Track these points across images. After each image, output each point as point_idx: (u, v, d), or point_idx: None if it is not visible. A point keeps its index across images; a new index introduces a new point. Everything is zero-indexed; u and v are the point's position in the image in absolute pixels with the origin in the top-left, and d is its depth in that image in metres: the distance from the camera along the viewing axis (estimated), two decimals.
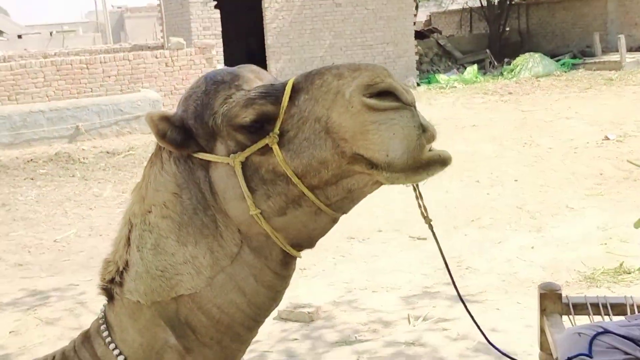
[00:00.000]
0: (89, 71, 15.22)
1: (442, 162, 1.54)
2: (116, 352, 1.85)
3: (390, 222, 7.29)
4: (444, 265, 1.88)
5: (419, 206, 1.73)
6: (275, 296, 1.82)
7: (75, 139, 12.79)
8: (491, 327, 4.75)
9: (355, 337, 4.82)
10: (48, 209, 8.80)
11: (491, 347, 2.27)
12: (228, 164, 1.64)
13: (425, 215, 1.72)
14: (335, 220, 1.69)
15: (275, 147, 1.59)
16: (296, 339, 4.85)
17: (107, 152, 11.89)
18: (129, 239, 1.80)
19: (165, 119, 1.69)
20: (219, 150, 1.67)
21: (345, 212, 1.69)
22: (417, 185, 1.68)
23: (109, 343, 1.86)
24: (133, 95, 14.20)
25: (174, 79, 15.86)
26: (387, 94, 1.51)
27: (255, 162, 1.62)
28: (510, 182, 8.62)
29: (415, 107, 1.53)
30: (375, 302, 5.42)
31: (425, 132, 1.51)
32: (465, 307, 1.95)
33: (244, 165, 1.63)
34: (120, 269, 1.83)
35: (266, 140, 1.60)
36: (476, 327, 2.13)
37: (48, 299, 5.86)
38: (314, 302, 5.31)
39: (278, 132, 1.58)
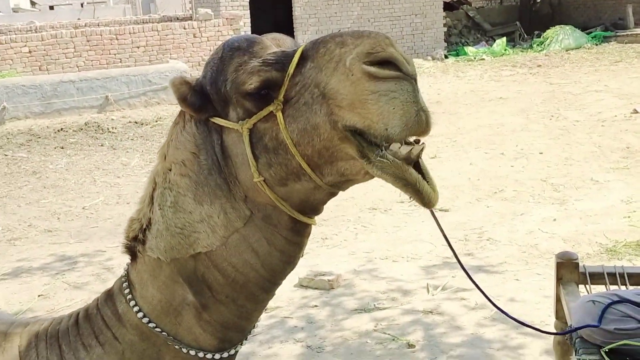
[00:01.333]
0: (118, 42, 15.34)
1: (427, 203, 1.53)
2: (136, 308, 1.92)
3: None
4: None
5: (443, 235, 1.81)
6: (289, 260, 1.86)
7: (104, 109, 12.95)
8: (510, 297, 4.79)
9: (374, 305, 4.88)
10: (77, 177, 8.97)
11: (505, 315, 2.29)
12: (237, 130, 1.68)
13: (449, 245, 1.79)
14: (333, 194, 1.71)
15: (279, 115, 1.61)
16: (316, 306, 4.93)
17: (136, 122, 12.04)
18: (152, 197, 1.85)
19: (186, 83, 1.73)
20: (231, 116, 1.71)
21: (342, 190, 1.72)
22: (436, 218, 1.74)
23: (130, 300, 1.93)
24: (161, 66, 14.30)
25: (201, 50, 15.92)
26: (388, 63, 1.50)
27: (260, 129, 1.65)
28: (535, 155, 8.56)
29: (416, 79, 1.51)
30: (395, 271, 5.47)
31: (424, 110, 1.50)
32: (471, 278, 1.97)
33: (251, 132, 1.66)
34: (144, 226, 1.89)
35: (270, 108, 1.62)
36: (489, 296, 2.16)
37: (76, 264, 6.02)
38: (335, 271, 5.38)
39: (282, 99, 1.60)
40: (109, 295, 2.07)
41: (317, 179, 1.65)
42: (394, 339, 4.35)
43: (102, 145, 10.72)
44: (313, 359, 4.21)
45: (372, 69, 1.49)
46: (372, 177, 1.58)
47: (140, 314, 1.91)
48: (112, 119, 12.31)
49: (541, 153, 8.60)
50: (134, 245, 1.94)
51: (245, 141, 1.66)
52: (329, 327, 4.61)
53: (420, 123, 1.48)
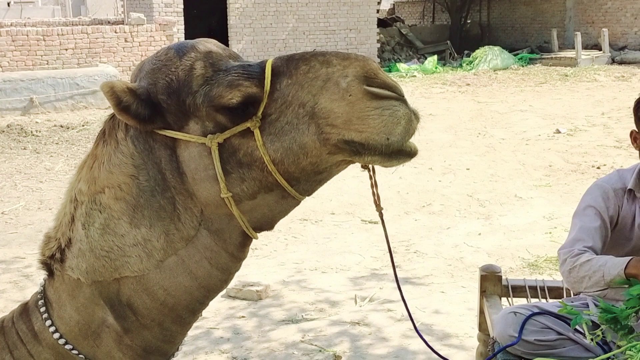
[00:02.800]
0: (45, 43, 14.89)
1: (413, 154, 1.63)
2: (52, 329, 1.82)
3: (343, 206, 7.36)
4: (391, 251, 1.91)
5: (373, 194, 1.75)
6: (227, 278, 1.82)
7: (28, 112, 12.53)
8: (435, 309, 4.86)
9: (302, 315, 4.87)
10: None
11: (423, 339, 2.31)
12: (202, 144, 1.60)
13: (378, 203, 1.76)
14: (299, 203, 1.70)
15: (257, 131, 1.57)
16: (243, 317, 4.88)
17: (61, 126, 11.69)
18: (73, 216, 1.78)
19: (130, 91, 1.62)
20: (192, 129, 1.62)
21: (310, 194, 1.71)
22: (374, 174, 1.71)
23: (46, 319, 1.83)
24: (90, 69, 13.97)
25: (132, 55, 15.63)
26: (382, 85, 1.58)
27: (233, 144, 1.60)
28: (462, 170, 8.77)
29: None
30: (323, 282, 5.48)
31: (417, 118, 1.60)
32: (402, 297, 1.99)
33: (220, 146, 1.60)
34: (62, 246, 1.79)
35: (248, 124, 1.58)
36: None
37: None
38: (263, 281, 5.34)
39: (260, 116, 1.58)
40: (24, 310, 1.97)
41: (293, 190, 1.63)
42: (320, 350, 4.34)
43: (24, 149, 10.35)
44: None
45: (376, 90, 1.55)
46: (347, 166, 1.64)
47: (56, 335, 1.82)
48: (37, 122, 11.92)
49: (468, 169, 8.82)
50: (51, 263, 1.85)
51: (214, 156, 1.59)
52: (256, 337, 4.56)
53: (413, 130, 1.59)
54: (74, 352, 1.84)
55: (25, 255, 6.11)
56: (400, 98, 1.58)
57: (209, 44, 1.73)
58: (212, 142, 1.60)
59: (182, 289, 1.77)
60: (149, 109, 1.62)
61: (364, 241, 6.33)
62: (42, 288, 1.92)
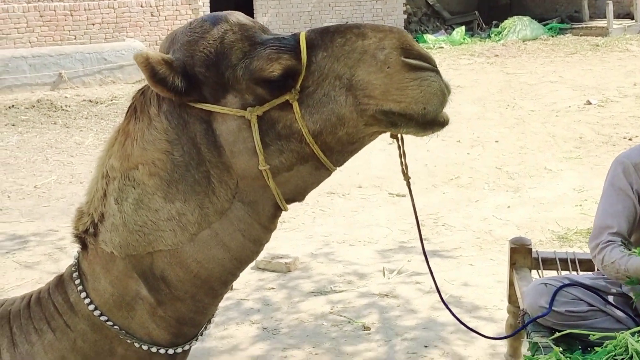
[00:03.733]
0: (72, 18, 14.96)
1: (445, 123, 1.66)
2: (87, 300, 1.85)
3: (370, 179, 7.36)
4: (418, 219, 1.91)
5: (401, 164, 1.76)
6: (258, 249, 1.84)
7: (57, 87, 12.65)
8: (464, 282, 4.87)
9: (331, 287, 4.91)
10: (29, 155, 8.76)
11: (451, 311, 2.32)
12: (241, 117, 1.61)
13: (406, 172, 1.77)
14: (330, 174, 1.72)
15: (295, 104, 1.59)
16: (272, 288, 4.93)
17: (90, 101, 11.80)
18: (105, 191, 1.80)
19: (167, 62, 1.60)
20: (230, 102, 1.63)
21: (341, 165, 1.72)
22: (402, 144, 1.72)
23: (81, 291, 1.86)
24: (117, 44, 14.03)
25: (159, 29, 15.65)
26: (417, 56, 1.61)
27: (272, 117, 1.61)
28: (490, 143, 8.69)
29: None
30: (351, 255, 5.50)
31: (449, 92, 1.63)
32: (429, 268, 2.00)
33: (259, 119, 1.61)
34: (96, 220, 1.80)
35: (287, 96, 1.59)
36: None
37: (27, 243, 5.89)
38: (292, 254, 5.38)
39: (299, 88, 1.59)
40: (60, 282, 2.01)
41: (328, 162, 1.65)
42: (349, 322, 4.38)
43: (55, 124, 10.48)
44: (268, 341, 4.21)
45: (414, 62, 1.58)
46: (378, 135, 1.66)
47: (91, 307, 1.85)
48: (66, 97, 12.04)
49: (497, 141, 8.74)
50: (85, 237, 1.87)
51: (254, 129, 1.60)
52: (285, 309, 4.62)
53: (446, 101, 1.62)
54: (109, 323, 1.87)
55: (58, 228, 6.22)
56: (435, 69, 1.60)
57: (240, 17, 1.73)
58: (252, 115, 1.61)
59: (215, 261, 1.79)
60: (185, 81, 1.62)
61: (391, 214, 6.33)
62: (76, 261, 1.95)
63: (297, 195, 1.78)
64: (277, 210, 1.78)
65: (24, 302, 2.11)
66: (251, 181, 1.70)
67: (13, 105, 11.25)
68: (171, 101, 1.69)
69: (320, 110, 1.60)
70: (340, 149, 1.66)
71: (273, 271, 5.19)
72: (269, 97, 1.61)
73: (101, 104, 11.69)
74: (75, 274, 1.90)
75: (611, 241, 2.80)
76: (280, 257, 5.28)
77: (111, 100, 11.94)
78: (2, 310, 2.16)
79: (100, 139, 9.55)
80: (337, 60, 1.59)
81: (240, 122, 1.63)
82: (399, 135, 1.71)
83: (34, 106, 11.29)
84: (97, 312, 1.87)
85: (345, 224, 6.22)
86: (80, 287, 1.88)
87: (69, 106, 11.45)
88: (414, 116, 1.59)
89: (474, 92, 11.94)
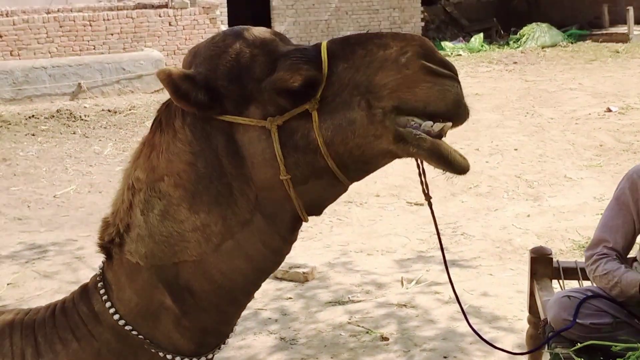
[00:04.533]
0: (92, 28, 15.11)
1: (461, 170, 1.63)
2: (112, 310, 1.87)
3: (388, 188, 7.32)
4: (434, 232, 1.88)
5: (421, 183, 1.74)
6: (279, 260, 1.85)
7: (77, 97, 12.76)
8: (483, 292, 4.82)
9: (349, 297, 4.88)
10: (48, 164, 8.84)
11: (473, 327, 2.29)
12: (262, 127, 1.62)
13: (426, 192, 1.75)
14: (346, 190, 1.72)
15: (315, 113, 1.60)
16: (290, 298, 4.91)
17: (109, 111, 11.88)
18: (131, 203, 1.81)
19: (189, 77, 1.62)
20: (252, 113, 1.64)
21: (356, 181, 1.72)
22: (422, 162, 1.69)
23: (106, 301, 1.88)
24: (136, 54, 14.13)
25: (177, 39, 15.76)
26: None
27: (291, 126, 1.62)
28: (510, 151, 8.62)
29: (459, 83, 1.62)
30: (369, 264, 5.47)
31: (466, 106, 1.60)
32: (449, 278, 1.97)
33: (278, 129, 1.61)
34: (121, 231, 1.83)
35: (306, 106, 1.60)
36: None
37: (46, 253, 5.93)
38: (309, 263, 5.36)
39: (319, 98, 1.60)
40: (84, 291, 2.02)
41: (342, 176, 1.65)
42: (367, 332, 4.35)
43: (74, 133, 10.57)
44: (286, 351, 4.19)
45: (433, 66, 1.56)
46: (394, 159, 1.62)
47: (116, 316, 1.86)
48: (85, 107, 12.14)
49: (516, 149, 8.67)
50: (110, 247, 1.89)
51: (274, 138, 1.61)
52: (303, 319, 4.59)
53: (458, 111, 1.58)
54: (134, 332, 1.88)
55: (77, 237, 6.26)
56: (455, 77, 1.59)
57: (261, 30, 1.76)
58: (272, 124, 1.62)
59: (238, 271, 1.80)
60: (208, 95, 1.63)
61: (409, 223, 6.29)
62: (100, 271, 1.96)
63: (314, 210, 1.78)
64: (297, 222, 1.79)
65: (49, 311, 2.12)
66: (270, 192, 1.71)
67: (33, 116, 11.36)
68: (195, 114, 1.71)
69: (334, 116, 1.60)
70: (352, 163, 1.64)
71: (291, 281, 5.17)
72: (290, 107, 1.61)
73: (120, 113, 11.78)
74: (100, 284, 1.92)
75: (606, 254, 2.88)
76: (298, 267, 5.26)
77: (130, 109, 12.02)
78: (27, 320, 2.17)
79: (119, 148, 9.62)
80: (358, 71, 1.60)
81: (261, 132, 1.64)
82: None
83: (53, 116, 11.40)
84: (122, 322, 1.88)
85: (363, 233, 6.19)
86: (105, 297, 1.89)
87: (88, 116, 11.54)
88: (417, 113, 1.56)
89: (492, 99, 11.87)
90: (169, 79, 1.61)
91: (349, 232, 6.24)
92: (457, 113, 1.59)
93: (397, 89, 1.57)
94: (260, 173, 1.69)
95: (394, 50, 1.58)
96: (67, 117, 11.36)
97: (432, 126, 1.58)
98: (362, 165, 1.67)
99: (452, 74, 1.59)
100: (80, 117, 11.41)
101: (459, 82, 1.60)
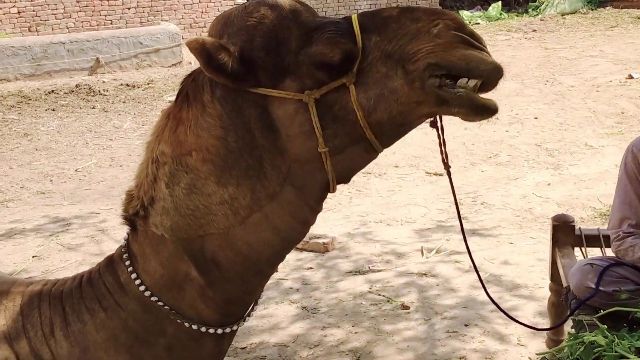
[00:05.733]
0: (108, 3, 15.11)
1: (495, 110, 1.67)
2: (138, 281, 1.90)
3: (407, 158, 7.31)
4: (453, 202, 1.91)
5: (441, 153, 1.78)
6: (306, 230, 1.87)
7: (95, 71, 12.80)
8: (504, 260, 4.82)
9: (369, 267, 4.91)
10: (69, 139, 8.91)
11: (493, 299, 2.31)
12: (299, 100, 1.63)
13: (446, 162, 1.77)
14: (376, 157, 1.74)
15: (352, 87, 1.61)
16: (311, 268, 4.95)
17: (127, 85, 11.91)
18: (156, 176, 1.82)
19: (224, 48, 1.61)
20: (288, 86, 1.64)
21: (388, 147, 1.74)
22: (442, 132, 1.73)
23: (131, 272, 1.90)
24: (153, 27, 14.11)
25: (193, 12, 15.72)
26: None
27: (329, 99, 1.63)
28: (529, 120, 8.55)
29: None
30: (389, 234, 5.49)
31: (500, 69, 1.63)
32: (468, 250, 2.00)
33: (316, 102, 1.62)
34: (146, 204, 1.84)
35: (343, 79, 1.61)
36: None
37: (70, 225, 6.00)
38: (329, 234, 5.39)
39: (355, 71, 1.61)
40: (110, 262, 2.05)
41: (377, 143, 1.67)
42: (388, 301, 4.38)
43: (93, 108, 10.62)
44: (308, 320, 4.24)
45: (465, 36, 1.60)
46: (426, 119, 1.66)
47: (142, 287, 1.89)
48: (104, 82, 12.18)
49: (536, 118, 8.59)
50: (134, 220, 1.91)
51: (312, 111, 1.62)
52: (324, 288, 4.63)
53: (495, 70, 1.60)
54: (159, 303, 1.91)
55: (99, 210, 6.33)
56: (486, 50, 1.63)
57: (292, 1, 1.75)
58: (310, 98, 1.63)
59: (265, 243, 1.81)
60: (243, 66, 1.62)
61: (428, 193, 6.29)
62: (125, 242, 1.98)
63: (344, 177, 1.80)
64: (325, 192, 1.81)
65: (76, 282, 2.15)
66: (304, 164, 1.72)
67: (53, 91, 11.43)
68: (225, 87, 1.70)
69: (374, 88, 1.62)
70: (391, 129, 1.67)
71: (311, 251, 5.20)
72: (328, 80, 1.62)
73: (138, 87, 11.80)
74: (125, 255, 1.94)
75: (632, 233, 2.90)
76: (318, 237, 5.29)
77: (148, 84, 12.04)
78: (54, 290, 2.21)
79: (138, 122, 9.66)
80: (390, 42, 1.62)
81: (298, 105, 1.64)
82: (439, 125, 1.72)
83: (72, 91, 11.45)
84: (147, 293, 1.91)
85: (382, 204, 6.20)
86: (130, 268, 1.92)
87: (107, 90, 11.59)
88: (457, 70, 1.59)
89: (512, 68, 11.73)
90: (201, 49, 1.59)
91: (368, 203, 6.25)
92: (495, 77, 1.62)
93: (433, 51, 1.59)
94: (296, 146, 1.69)
95: (425, 23, 1.61)
96: (86, 92, 11.41)
97: (467, 82, 1.61)
98: (398, 130, 1.70)
99: (483, 47, 1.62)
100: (99, 91, 11.46)
101: (489, 54, 1.63)
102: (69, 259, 5.26)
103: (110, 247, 5.20)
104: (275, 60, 1.64)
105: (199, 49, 1.58)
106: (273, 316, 4.30)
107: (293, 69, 1.64)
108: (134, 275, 1.92)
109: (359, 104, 1.61)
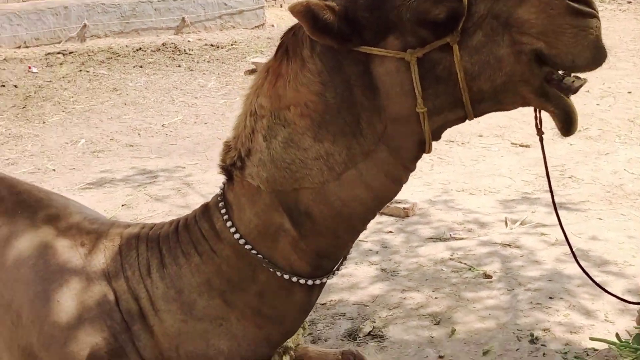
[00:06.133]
0: None
1: (571, 134, 1.70)
2: (233, 229, 1.95)
3: (492, 128, 7.14)
4: (540, 175, 1.90)
5: (535, 118, 1.76)
6: (398, 189, 1.88)
7: (181, 31, 13.01)
8: (592, 235, 4.68)
9: (450, 234, 4.86)
10: (156, 95, 9.13)
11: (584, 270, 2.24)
12: (401, 59, 1.61)
13: (539, 127, 1.75)
14: (463, 122, 1.74)
15: (455, 47, 1.59)
16: (391, 232, 4.94)
17: (211, 45, 12.07)
18: (253, 129, 1.84)
19: (330, 9, 1.61)
20: (390, 44, 1.63)
21: (478, 117, 1.74)
22: None
23: (226, 220, 1.95)
24: None
25: None
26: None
27: (432, 59, 1.61)
28: (622, 94, 8.19)
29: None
30: (471, 203, 5.40)
31: (605, 49, 1.62)
32: (558, 218, 1.96)
33: (418, 61, 1.61)
34: (242, 155, 1.88)
35: (448, 38, 1.59)
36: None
37: (157, 178, 6.19)
38: (410, 199, 5.35)
39: (459, 30, 1.59)
40: (206, 209, 2.11)
41: (471, 110, 1.66)
42: (470, 269, 4.33)
43: (179, 66, 10.83)
44: (387, 282, 4.24)
45: (577, 6, 1.56)
46: (522, 105, 1.65)
47: (236, 235, 1.94)
48: (189, 41, 12.37)
49: (629, 92, 8.22)
50: (231, 170, 1.95)
51: (414, 70, 1.61)
52: (404, 252, 4.62)
53: (600, 60, 1.60)
54: (253, 251, 1.96)
55: (185, 165, 6.49)
56: (597, 15, 1.58)
57: None
58: (412, 57, 1.61)
59: (358, 199, 1.83)
60: (350, 26, 1.62)
61: (514, 164, 6.14)
62: (221, 191, 2.03)
63: (436, 136, 1.80)
64: (420, 152, 1.81)
65: (172, 226, 2.23)
66: (401, 124, 1.71)
67: (140, 48, 11.71)
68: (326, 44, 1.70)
69: (479, 52, 1.58)
70: (489, 100, 1.64)
71: (391, 215, 5.19)
72: (431, 38, 1.59)
73: (222, 48, 11.94)
74: (221, 204, 1.99)
75: None
76: (399, 202, 5.26)
77: (231, 45, 12.16)
78: (152, 233, 2.28)
79: (222, 82, 9.80)
80: (497, 2, 1.57)
81: (400, 64, 1.63)
82: None
83: (159, 49, 11.70)
84: (242, 241, 1.96)
85: (464, 173, 6.10)
86: (226, 217, 1.97)
87: (192, 50, 11.77)
88: (561, 65, 1.58)
89: (604, 40, 11.25)
90: (306, 11, 1.58)
91: (450, 171, 6.16)
92: (599, 63, 1.61)
93: (544, 33, 1.55)
94: (395, 105, 1.68)
95: None
96: (172, 51, 11.63)
97: (573, 82, 1.61)
98: (494, 106, 1.68)
99: (595, 12, 1.58)
100: (185, 50, 11.66)
101: (599, 20, 1.58)
102: (156, 209, 5.43)
103: (196, 200, 5.34)
104: (379, 18, 1.62)
105: (303, 11, 1.58)
106: (352, 276, 4.33)
107: (396, 27, 1.62)
108: (229, 224, 1.97)
109: (462, 66, 1.58)
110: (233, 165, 1.94)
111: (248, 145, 1.88)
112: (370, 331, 3.70)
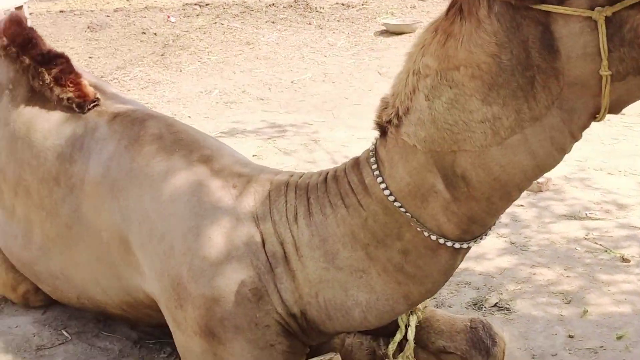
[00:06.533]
0: None
1: None
2: (383, 185, 1.95)
3: (635, 106, 6.69)
4: None
5: None
6: (560, 159, 1.82)
7: None
8: None
9: (586, 213, 4.64)
10: (287, 51, 9.24)
11: None
12: (586, 18, 1.54)
13: None
14: None
15: None
16: (522, 206, 4.79)
17: (342, 4, 12.03)
18: (415, 88, 1.82)
19: None
20: (577, 2, 1.56)
21: None
22: None
23: (377, 176, 1.96)
24: None
25: None
26: None
27: (621, 18, 1.53)
28: None
29: None
30: (610, 183, 5.13)
31: None
32: None
33: (606, 21, 1.53)
34: (400, 113, 1.86)
35: None
36: None
37: (285, 132, 6.29)
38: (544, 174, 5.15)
39: None
40: (356, 163, 2.12)
41: None
42: (606, 251, 4.13)
43: (309, 24, 10.89)
44: (516, 255, 4.13)
45: None
46: None
47: (386, 192, 1.94)
48: None
49: None
50: (386, 127, 1.93)
51: (601, 31, 1.54)
52: (535, 227, 4.47)
53: None
54: (402, 209, 1.95)
55: (312, 121, 6.56)
56: None
57: None
58: (600, 16, 1.53)
59: (518, 167, 1.78)
60: None
61: None
62: (373, 147, 2.03)
63: (614, 108, 1.71)
64: (591, 120, 1.73)
65: (321, 177, 2.26)
66: (579, 88, 1.64)
67: (273, 4, 11.86)
68: (504, 3, 1.64)
69: None
70: None
71: None
72: None
73: (352, 7, 11.87)
74: (372, 159, 1.99)
75: None
76: None
77: (362, 4, 12.07)
78: (300, 182, 2.33)
79: (351, 42, 9.77)
80: None
81: (585, 24, 1.55)
82: None
83: (291, 6, 11.80)
84: (391, 198, 1.96)
85: (603, 151, 5.80)
86: (376, 172, 1.97)
87: (323, 8, 11.79)
88: None
89: None
90: None
91: (587, 149, 5.86)
92: None
93: None
94: (576, 68, 1.61)
95: None
96: (304, 8, 11.70)
97: None
98: None
99: None
100: (316, 8, 11.70)
101: None
102: (284, 162, 5.53)
103: (323, 156, 5.38)
104: None
105: None
106: (480, 246, 4.17)
107: None
108: (379, 179, 1.97)
109: None
110: (389, 122, 1.93)
111: (407, 104, 1.86)
112: (496, 303, 3.63)
